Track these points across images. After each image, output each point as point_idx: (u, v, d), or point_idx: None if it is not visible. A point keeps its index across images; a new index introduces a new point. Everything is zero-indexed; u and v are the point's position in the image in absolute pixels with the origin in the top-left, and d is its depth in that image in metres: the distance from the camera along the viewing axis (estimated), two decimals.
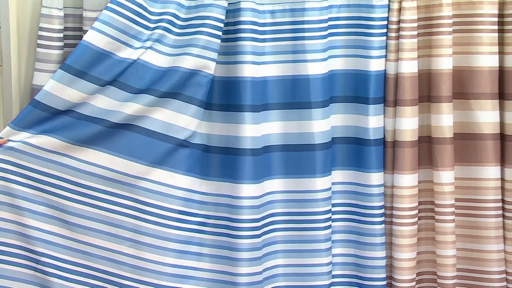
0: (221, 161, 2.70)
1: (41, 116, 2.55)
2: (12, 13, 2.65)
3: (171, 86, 2.64)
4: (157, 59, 2.64)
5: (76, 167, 2.60)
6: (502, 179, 2.79)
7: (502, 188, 2.79)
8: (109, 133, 2.61)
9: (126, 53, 2.61)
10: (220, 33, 2.65)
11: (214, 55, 2.65)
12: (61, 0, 2.66)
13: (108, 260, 2.64)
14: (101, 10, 2.62)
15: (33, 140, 2.57)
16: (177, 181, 2.67)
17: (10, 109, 2.68)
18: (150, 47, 2.64)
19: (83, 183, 2.61)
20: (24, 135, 2.56)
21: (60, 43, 2.67)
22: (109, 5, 2.58)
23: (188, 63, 2.64)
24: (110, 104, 2.60)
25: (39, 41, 2.64)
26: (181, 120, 2.65)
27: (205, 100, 2.67)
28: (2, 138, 2.56)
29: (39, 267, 2.61)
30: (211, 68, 2.65)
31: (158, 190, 2.65)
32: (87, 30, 2.63)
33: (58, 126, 2.57)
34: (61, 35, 2.66)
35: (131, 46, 2.61)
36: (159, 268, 2.65)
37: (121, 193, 2.63)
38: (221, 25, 2.66)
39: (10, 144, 2.56)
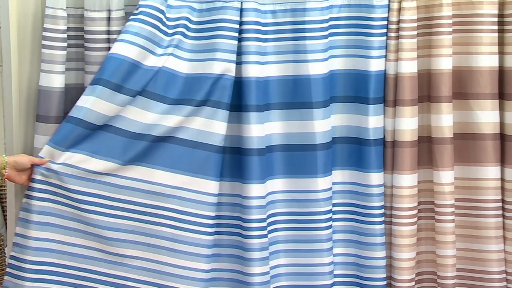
0: (230, 161, 2.71)
1: (82, 134, 2.58)
2: (12, 14, 2.65)
3: (204, 94, 2.65)
4: (180, 65, 2.66)
5: (117, 183, 2.62)
6: (502, 179, 2.79)
7: (502, 188, 2.79)
8: (150, 148, 2.63)
9: (152, 61, 2.62)
10: (236, 35, 2.66)
11: (234, 57, 2.66)
12: (65, 0, 2.66)
13: (147, 270, 2.66)
14: (102, 10, 2.64)
15: (75, 161, 2.59)
16: (211, 188, 2.68)
17: (10, 109, 2.69)
18: (171, 54, 2.66)
19: (123, 199, 2.63)
20: (66, 156, 2.58)
21: (65, 44, 2.67)
22: (138, 16, 2.59)
23: (214, 68, 2.65)
24: (151, 118, 2.62)
25: (44, 42, 2.64)
26: (214, 126, 2.66)
27: (229, 102, 2.68)
28: (43, 157, 2.58)
29: (84, 283, 2.64)
30: (232, 70, 2.66)
31: (195, 198, 2.66)
32: (88, 31, 2.65)
33: (100, 144, 2.60)
34: (65, 35, 2.67)
35: (155, 54, 2.63)
36: (195, 274, 2.67)
37: (160, 205, 2.64)
38: (237, 26, 2.66)
39: (53, 166, 2.57)
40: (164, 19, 2.64)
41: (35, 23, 2.70)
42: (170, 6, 2.67)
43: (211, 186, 2.66)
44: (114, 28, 2.67)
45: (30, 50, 2.70)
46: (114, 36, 2.66)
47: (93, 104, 2.56)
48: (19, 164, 2.57)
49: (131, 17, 2.60)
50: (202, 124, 2.65)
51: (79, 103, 2.56)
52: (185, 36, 2.68)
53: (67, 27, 2.68)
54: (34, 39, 2.69)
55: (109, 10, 2.67)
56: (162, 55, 2.64)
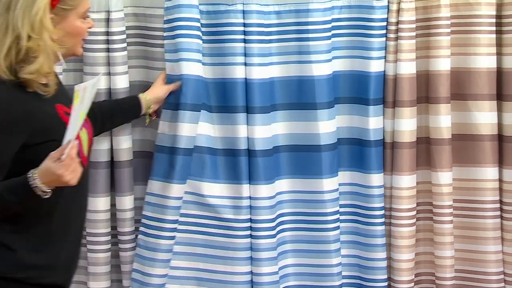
0: (239, 164, 2.71)
1: (188, 161, 2.64)
2: None
3: (231, 99, 2.68)
4: (202, 70, 2.68)
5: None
6: (500, 180, 2.80)
7: (500, 189, 2.80)
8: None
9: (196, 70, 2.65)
10: (242, 37, 2.67)
11: (245, 59, 2.67)
12: None
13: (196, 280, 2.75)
14: (101, 11, 2.63)
15: (193, 188, 2.69)
16: (245, 191, 2.71)
17: None
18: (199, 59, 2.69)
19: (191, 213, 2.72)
20: (183, 187, 2.67)
21: None
22: (185, 31, 2.61)
23: (236, 72, 2.66)
24: (207, 129, 2.69)
25: None
26: (240, 131, 2.68)
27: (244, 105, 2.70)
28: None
29: None
30: (246, 73, 2.67)
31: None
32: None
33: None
34: None
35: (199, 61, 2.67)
36: (231, 278, 2.73)
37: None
38: (242, 29, 2.66)
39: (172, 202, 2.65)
40: (200, 27, 2.67)
41: None
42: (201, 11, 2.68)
43: (245, 189, 2.71)
44: (113, 29, 2.65)
45: None
46: (113, 37, 2.65)
47: (189, 130, 2.61)
48: (159, 98, 2.61)
49: (179, 31, 2.61)
50: (231, 131, 2.69)
51: (176, 132, 2.61)
52: (200, 39, 2.69)
53: None
54: None
55: (108, 11, 2.66)
56: (198, 61, 2.68)
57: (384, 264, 2.80)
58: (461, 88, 2.76)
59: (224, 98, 2.68)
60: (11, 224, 2.07)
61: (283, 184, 2.76)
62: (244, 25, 2.66)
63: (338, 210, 2.77)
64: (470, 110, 2.76)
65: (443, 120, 2.73)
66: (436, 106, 2.73)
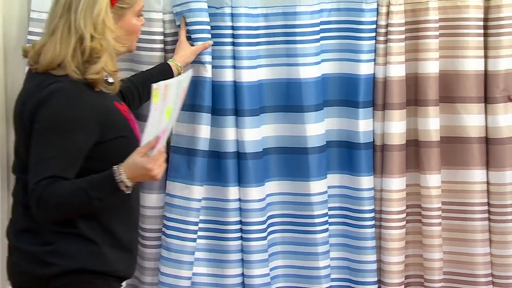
0: (229, 166, 2.70)
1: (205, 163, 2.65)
2: None
3: (220, 102, 2.68)
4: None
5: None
6: (488, 183, 2.80)
7: (488, 192, 2.81)
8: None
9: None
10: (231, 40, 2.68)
11: (234, 62, 2.67)
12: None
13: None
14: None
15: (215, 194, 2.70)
16: (233, 194, 2.71)
17: None
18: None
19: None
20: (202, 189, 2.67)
21: None
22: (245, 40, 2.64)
23: (225, 75, 2.66)
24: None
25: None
26: (229, 133, 2.68)
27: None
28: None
29: None
30: (235, 75, 2.67)
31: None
32: None
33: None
34: None
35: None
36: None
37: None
38: (231, 32, 2.67)
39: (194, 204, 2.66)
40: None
41: (20, 27, 2.64)
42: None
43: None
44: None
45: (15, 54, 2.64)
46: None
47: (206, 132, 2.63)
48: (188, 62, 2.60)
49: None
50: (240, 134, 2.69)
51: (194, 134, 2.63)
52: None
53: None
54: (19, 42, 2.62)
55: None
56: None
57: (374, 266, 2.80)
58: (449, 90, 2.77)
59: (214, 101, 2.67)
60: (90, 221, 2.11)
61: (273, 186, 2.76)
62: (233, 28, 2.65)
63: (327, 213, 2.77)
64: (459, 112, 2.77)
65: (432, 123, 2.74)
66: (424, 109, 2.74)
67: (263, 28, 2.69)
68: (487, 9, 2.74)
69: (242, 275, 2.73)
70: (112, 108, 2.16)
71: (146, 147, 2.00)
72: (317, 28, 2.68)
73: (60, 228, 2.09)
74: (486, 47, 2.75)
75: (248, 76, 2.66)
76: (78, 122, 2.04)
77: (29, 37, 2.59)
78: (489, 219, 2.81)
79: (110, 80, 2.17)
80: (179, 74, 2.58)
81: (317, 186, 2.72)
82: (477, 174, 2.78)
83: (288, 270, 2.81)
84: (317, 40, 2.69)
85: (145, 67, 2.63)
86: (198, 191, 2.65)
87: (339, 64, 2.74)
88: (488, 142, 2.79)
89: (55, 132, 2.02)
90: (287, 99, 2.71)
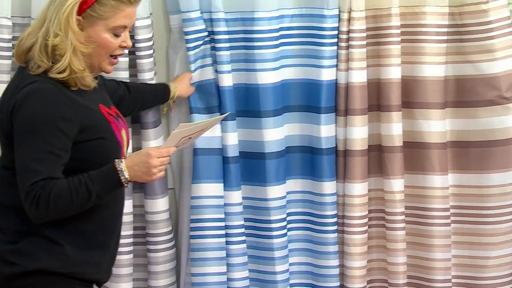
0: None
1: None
2: None
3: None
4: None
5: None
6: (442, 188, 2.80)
7: (445, 197, 2.80)
8: None
9: None
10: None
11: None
12: (9, 9, 2.61)
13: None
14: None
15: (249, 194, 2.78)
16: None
17: None
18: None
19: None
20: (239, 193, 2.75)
21: (10, 53, 2.61)
22: (224, 44, 2.66)
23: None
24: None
25: None
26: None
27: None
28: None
29: None
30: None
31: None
32: None
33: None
34: (10, 44, 2.62)
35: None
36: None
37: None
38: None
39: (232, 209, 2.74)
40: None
41: None
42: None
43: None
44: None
45: None
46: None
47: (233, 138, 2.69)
48: (183, 97, 2.68)
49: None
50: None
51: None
52: None
53: (12, 37, 2.62)
54: None
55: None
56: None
57: (336, 271, 2.81)
58: (410, 96, 2.77)
59: (202, 102, 2.71)
60: (59, 221, 2.09)
61: (241, 191, 2.79)
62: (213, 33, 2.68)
63: (285, 218, 2.78)
64: (417, 118, 2.77)
65: (395, 128, 2.74)
66: (387, 114, 2.74)
67: (224, 33, 2.69)
68: (446, 15, 2.73)
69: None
70: (91, 109, 2.15)
71: (157, 150, 2.07)
72: (276, 34, 2.69)
73: (26, 227, 2.09)
74: (447, 53, 2.75)
75: (221, 80, 2.68)
76: (56, 121, 2.04)
77: None
78: (452, 221, 2.81)
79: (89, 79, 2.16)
80: (171, 99, 2.66)
81: (274, 191, 2.74)
82: (436, 180, 2.77)
83: (253, 274, 2.83)
84: (276, 46, 2.70)
85: None
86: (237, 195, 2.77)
87: (301, 70, 2.75)
88: (452, 145, 2.80)
89: (36, 133, 2.03)
90: (246, 104, 2.72)
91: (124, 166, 2.06)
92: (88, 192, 2.04)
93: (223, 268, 2.75)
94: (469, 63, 2.72)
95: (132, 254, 2.75)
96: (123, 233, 2.64)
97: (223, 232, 2.74)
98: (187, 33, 2.64)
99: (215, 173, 2.71)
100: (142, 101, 2.55)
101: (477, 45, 2.69)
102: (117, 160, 2.07)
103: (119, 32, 2.17)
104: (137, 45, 2.63)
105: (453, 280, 2.86)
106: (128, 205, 2.66)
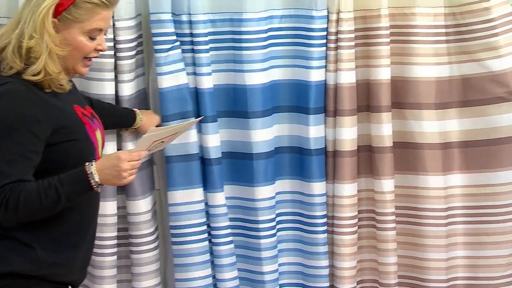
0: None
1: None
2: None
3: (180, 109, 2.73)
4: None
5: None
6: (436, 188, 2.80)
7: (439, 197, 2.81)
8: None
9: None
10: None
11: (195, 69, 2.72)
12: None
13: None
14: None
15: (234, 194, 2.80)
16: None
17: None
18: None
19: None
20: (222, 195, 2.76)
21: None
22: (204, 47, 2.67)
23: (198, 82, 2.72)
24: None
25: None
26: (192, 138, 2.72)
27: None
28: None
29: None
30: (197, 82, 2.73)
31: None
32: None
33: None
34: None
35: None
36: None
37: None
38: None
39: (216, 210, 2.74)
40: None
41: None
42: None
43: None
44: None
45: None
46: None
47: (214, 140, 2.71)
48: (145, 129, 2.59)
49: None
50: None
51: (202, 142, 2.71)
52: None
53: None
54: None
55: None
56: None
57: (326, 272, 2.82)
58: (400, 97, 2.77)
59: (174, 108, 2.68)
60: (30, 223, 2.09)
61: (227, 191, 2.79)
62: (180, 35, 2.67)
63: (274, 218, 2.79)
64: (408, 118, 2.77)
65: (385, 129, 2.75)
66: (377, 115, 2.75)
67: (211, 34, 2.70)
68: (435, 16, 2.73)
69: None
70: (64, 110, 2.15)
71: (128, 154, 2.06)
72: (265, 35, 2.70)
73: None
74: (450, 53, 2.75)
75: (208, 82, 2.69)
76: (28, 122, 2.04)
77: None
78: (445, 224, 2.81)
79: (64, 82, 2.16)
80: (132, 126, 2.64)
81: (262, 192, 2.74)
82: (427, 180, 2.77)
83: (243, 273, 2.84)
84: (264, 47, 2.70)
85: None
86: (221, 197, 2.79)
87: (290, 71, 2.76)
88: (461, 145, 2.80)
89: (7, 135, 2.03)
90: (235, 105, 2.73)
91: (94, 170, 2.05)
92: (58, 195, 2.03)
93: (208, 271, 2.75)
94: (475, 61, 2.71)
95: (116, 256, 2.74)
96: (107, 234, 2.68)
97: (205, 236, 2.74)
98: (154, 35, 2.64)
99: (192, 179, 2.70)
100: (104, 121, 2.47)
101: (482, 43, 2.68)
102: (87, 163, 2.06)
103: (94, 35, 2.17)
104: (118, 46, 2.63)
105: (464, 282, 2.87)
106: (112, 207, 2.66)
